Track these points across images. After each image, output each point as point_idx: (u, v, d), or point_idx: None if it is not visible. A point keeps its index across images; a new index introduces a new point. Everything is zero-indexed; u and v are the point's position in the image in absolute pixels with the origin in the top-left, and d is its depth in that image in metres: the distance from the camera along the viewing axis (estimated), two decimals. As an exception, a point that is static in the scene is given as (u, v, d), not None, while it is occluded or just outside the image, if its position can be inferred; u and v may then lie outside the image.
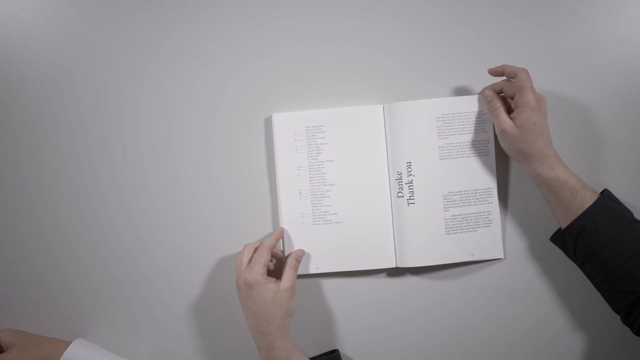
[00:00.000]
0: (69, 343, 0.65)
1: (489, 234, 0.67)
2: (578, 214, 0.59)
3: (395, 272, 0.70)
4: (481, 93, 0.65)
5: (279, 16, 0.69)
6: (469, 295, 0.69)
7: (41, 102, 0.70)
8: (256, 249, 0.64)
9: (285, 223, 0.68)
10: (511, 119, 0.61)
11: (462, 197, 0.67)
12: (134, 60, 0.70)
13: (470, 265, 0.69)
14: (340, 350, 0.68)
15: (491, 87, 0.64)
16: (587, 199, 0.59)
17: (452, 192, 0.67)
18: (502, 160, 0.68)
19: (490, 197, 0.67)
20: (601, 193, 0.61)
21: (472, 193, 0.67)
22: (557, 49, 0.69)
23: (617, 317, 0.61)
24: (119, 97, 0.70)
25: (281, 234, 0.67)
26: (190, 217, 0.70)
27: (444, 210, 0.67)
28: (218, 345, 0.71)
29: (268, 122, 0.70)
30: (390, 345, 0.70)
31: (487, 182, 0.67)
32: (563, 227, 0.61)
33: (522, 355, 0.69)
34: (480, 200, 0.67)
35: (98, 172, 0.70)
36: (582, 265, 0.62)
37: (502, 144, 0.63)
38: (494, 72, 0.64)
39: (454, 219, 0.67)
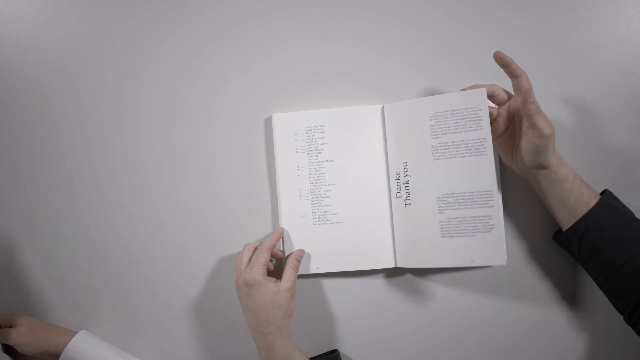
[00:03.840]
0: (76, 332, 0.67)
1: (489, 240, 0.62)
2: (583, 213, 0.59)
3: (395, 272, 0.70)
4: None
5: (279, 16, 0.70)
6: (469, 296, 0.69)
7: (41, 102, 0.70)
8: (256, 248, 0.64)
9: (285, 223, 0.68)
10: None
11: (458, 200, 0.63)
12: (134, 60, 0.70)
13: (470, 266, 0.69)
14: (340, 350, 0.68)
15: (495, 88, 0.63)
16: (592, 199, 0.59)
17: (447, 194, 0.64)
18: (500, 161, 0.68)
19: (490, 200, 0.62)
20: (602, 193, 0.62)
21: (469, 196, 0.63)
22: (557, 49, 0.69)
23: (619, 319, 0.61)
24: (119, 97, 0.70)
25: (281, 234, 0.67)
26: (190, 217, 0.70)
27: (439, 212, 0.64)
28: (218, 345, 0.71)
29: (268, 122, 0.70)
30: (390, 345, 0.70)
31: (486, 185, 0.62)
32: (566, 227, 0.61)
33: (522, 355, 0.69)
34: (479, 203, 0.62)
35: (98, 172, 0.70)
36: (586, 264, 0.62)
37: (532, 152, 0.59)
38: (501, 59, 0.60)
39: (450, 221, 0.63)
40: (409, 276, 0.70)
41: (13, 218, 0.70)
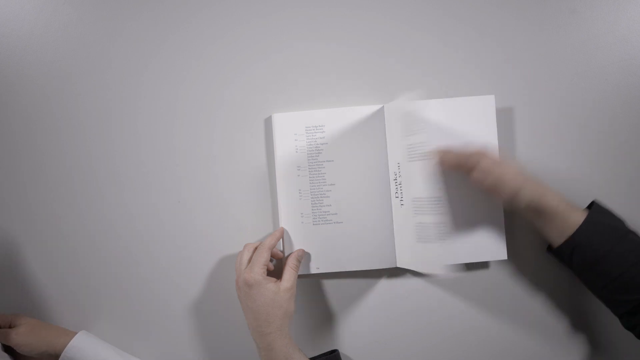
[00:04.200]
0: (76, 333, 0.67)
1: (446, 249, 0.60)
2: (570, 233, 0.58)
3: (395, 272, 0.70)
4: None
5: (278, 16, 0.70)
6: (469, 296, 0.69)
7: (41, 102, 0.70)
8: (256, 248, 0.64)
9: (285, 223, 0.68)
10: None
11: (421, 204, 0.62)
12: (134, 60, 0.70)
13: (470, 266, 0.69)
14: (340, 350, 0.68)
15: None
16: (579, 217, 0.58)
17: (415, 197, 0.63)
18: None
19: (439, 207, 0.60)
20: (590, 206, 0.61)
21: (425, 200, 0.61)
22: (557, 49, 0.69)
23: (617, 321, 0.61)
24: (119, 97, 0.70)
25: (281, 234, 0.67)
26: (190, 217, 0.70)
27: (413, 216, 0.63)
28: (218, 345, 0.71)
29: (268, 122, 0.70)
30: (390, 345, 0.70)
31: (434, 190, 0.60)
32: (556, 245, 0.61)
33: (522, 355, 0.69)
34: (432, 210, 0.60)
35: (98, 172, 0.70)
36: (579, 276, 0.61)
37: (508, 203, 0.60)
38: (448, 165, 0.60)
39: (419, 226, 0.62)
40: (409, 276, 0.70)
41: (13, 218, 0.70)
